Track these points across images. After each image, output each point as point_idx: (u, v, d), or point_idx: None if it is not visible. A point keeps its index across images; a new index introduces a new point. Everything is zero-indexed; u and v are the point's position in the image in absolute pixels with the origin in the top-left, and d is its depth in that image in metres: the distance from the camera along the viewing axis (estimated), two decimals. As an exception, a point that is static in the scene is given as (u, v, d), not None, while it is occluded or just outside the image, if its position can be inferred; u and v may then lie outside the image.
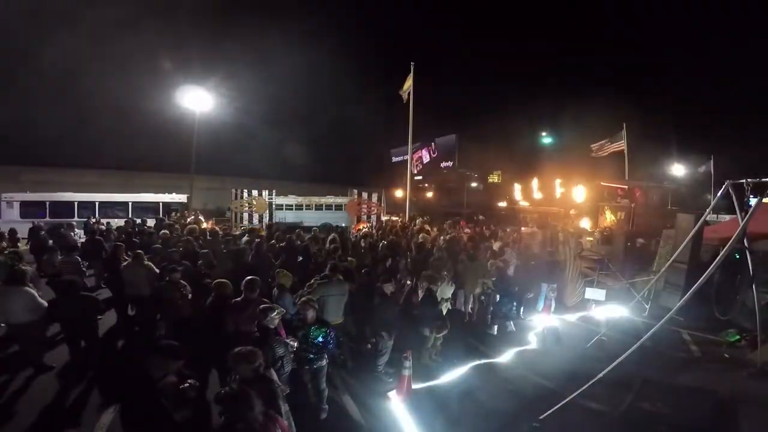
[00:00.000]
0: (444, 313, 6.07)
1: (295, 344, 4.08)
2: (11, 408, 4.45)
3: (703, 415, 4.50)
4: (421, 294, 5.92)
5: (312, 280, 5.60)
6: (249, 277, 4.81)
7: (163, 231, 9.88)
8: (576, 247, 9.90)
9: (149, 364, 2.97)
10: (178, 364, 3.07)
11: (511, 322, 7.37)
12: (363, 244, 8.97)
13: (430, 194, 35.20)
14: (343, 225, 16.40)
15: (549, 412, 4.39)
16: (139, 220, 13.49)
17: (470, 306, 7.75)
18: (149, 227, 11.91)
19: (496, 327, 7.28)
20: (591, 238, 13.26)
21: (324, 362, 4.34)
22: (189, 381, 3.01)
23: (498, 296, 7.23)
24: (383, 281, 5.53)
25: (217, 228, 12.70)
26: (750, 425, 4.43)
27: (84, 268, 7.50)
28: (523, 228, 15.41)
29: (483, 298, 7.53)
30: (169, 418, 2.79)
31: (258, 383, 3.02)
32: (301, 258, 7.65)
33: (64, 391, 4.78)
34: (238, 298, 4.66)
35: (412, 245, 9.07)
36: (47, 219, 16.34)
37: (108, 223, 13.66)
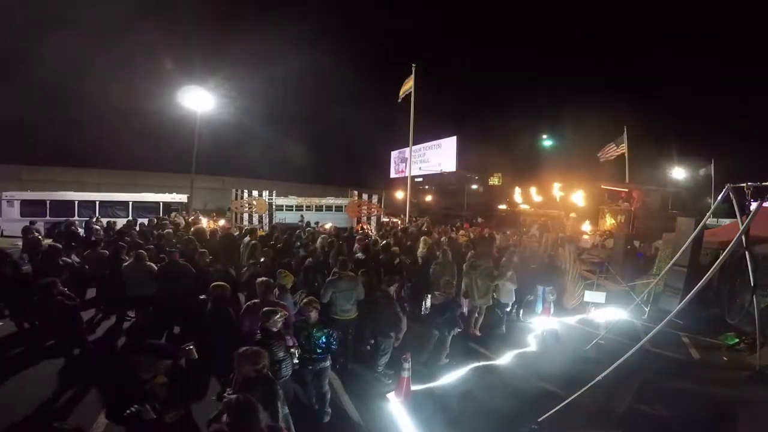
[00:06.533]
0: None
1: (297, 353, 4.09)
2: (9, 408, 4.44)
3: (701, 417, 4.50)
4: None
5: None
6: (262, 279, 4.85)
7: (167, 230, 9.92)
8: (574, 249, 9.90)
9: (137, 365, 2.97)
10: (167, 363, 3.05)
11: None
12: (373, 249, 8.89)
13: (429, 196, 35.23)
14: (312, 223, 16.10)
15: (548, 414, 4.39)
16: (145, 221, 13.47)
17: (477, 321, 7.23)
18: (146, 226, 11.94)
19: (521, 312, 8.15)
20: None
21: (327, 363, 4.35)
22: (184, 346, 3.05)
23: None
24: (387, 282, 5.57)
25: (217, 228, 12.74)
26: (748, 428, 4.43)
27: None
28: (534, 229, 15.45)
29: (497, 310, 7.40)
30: (168, 419, 2.80)
31: (259, 383, 3.03)
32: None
33: (62, 392, 4.77)
34: (256, 300, 4.70)
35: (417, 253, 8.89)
36: (47, 218, 16.37)
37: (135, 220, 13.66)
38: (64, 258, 7.04)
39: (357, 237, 10.46)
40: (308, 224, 14.11)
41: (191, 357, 3.19)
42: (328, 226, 14.44)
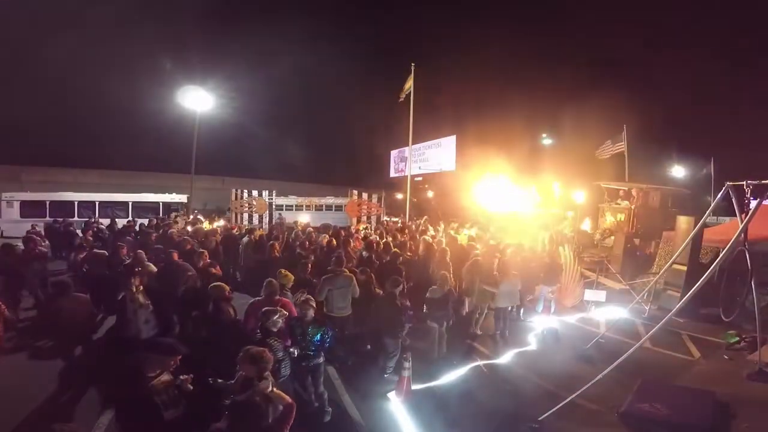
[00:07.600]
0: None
1: (296, 351, 4.10)
2: (9, 409, 4.43)
3: (702, 416, 4.49)
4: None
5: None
6: (268, 279, 4.90)
7: (171, 230, 9.94)
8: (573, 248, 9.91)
9: (143, 362, 2.98)
10: (173, 360, 3.05)
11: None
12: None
13: (430, 195, 35.15)
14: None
15: (548, 413, 4.39)
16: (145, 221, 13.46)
17: (478, 320, 7.21)
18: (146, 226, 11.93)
19: (521, 311, 7.94)
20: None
21: (321, 360, 4.35)
22: (181, 377, 3.04)
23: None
24: (392, 284, 5.55)
25: (216, 228, 12.72)
26: (749, 427, 4.42)
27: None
28: None
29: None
30: (167, 416, 2.80)
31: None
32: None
33: (63, 392, 4.77)
34: (259, 298, 4.75)
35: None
36: (47, 219, 16.37)
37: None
38: (40, 248, 7.31)
39: (356, 236, 10.46)
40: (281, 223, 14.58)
41: (185, 389, 3.07)
42: (303, 221, 14.96)
